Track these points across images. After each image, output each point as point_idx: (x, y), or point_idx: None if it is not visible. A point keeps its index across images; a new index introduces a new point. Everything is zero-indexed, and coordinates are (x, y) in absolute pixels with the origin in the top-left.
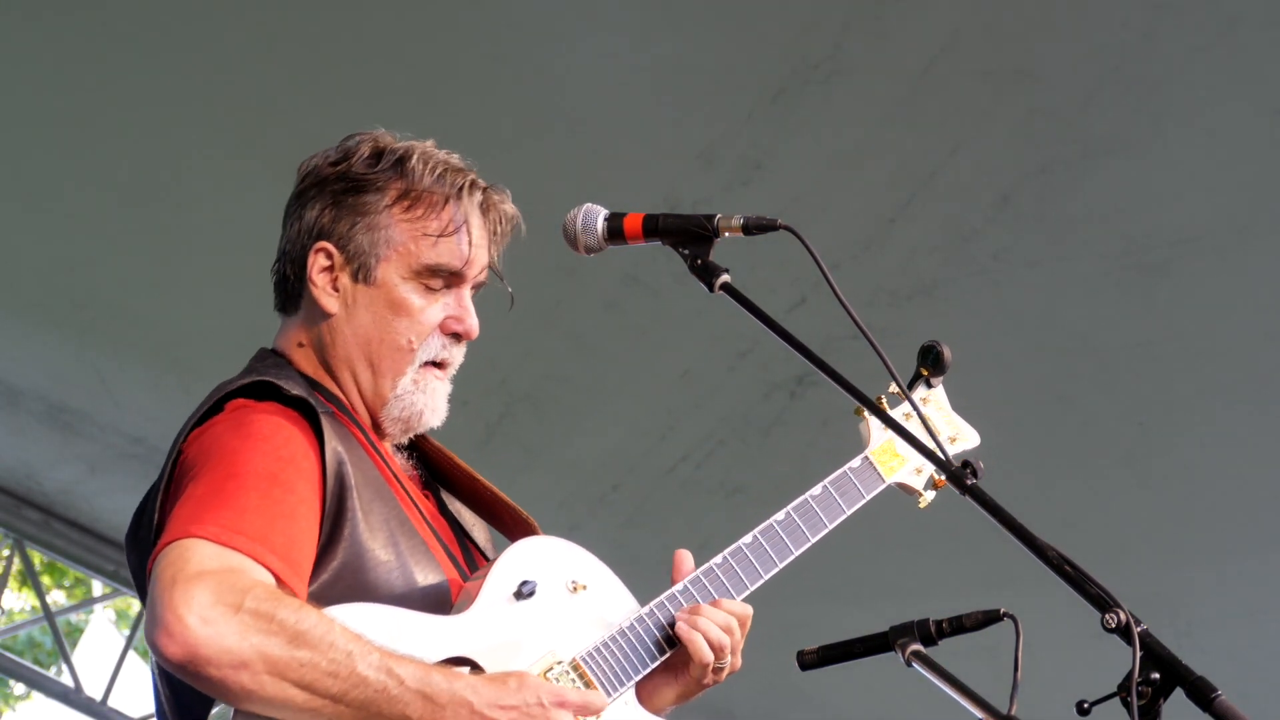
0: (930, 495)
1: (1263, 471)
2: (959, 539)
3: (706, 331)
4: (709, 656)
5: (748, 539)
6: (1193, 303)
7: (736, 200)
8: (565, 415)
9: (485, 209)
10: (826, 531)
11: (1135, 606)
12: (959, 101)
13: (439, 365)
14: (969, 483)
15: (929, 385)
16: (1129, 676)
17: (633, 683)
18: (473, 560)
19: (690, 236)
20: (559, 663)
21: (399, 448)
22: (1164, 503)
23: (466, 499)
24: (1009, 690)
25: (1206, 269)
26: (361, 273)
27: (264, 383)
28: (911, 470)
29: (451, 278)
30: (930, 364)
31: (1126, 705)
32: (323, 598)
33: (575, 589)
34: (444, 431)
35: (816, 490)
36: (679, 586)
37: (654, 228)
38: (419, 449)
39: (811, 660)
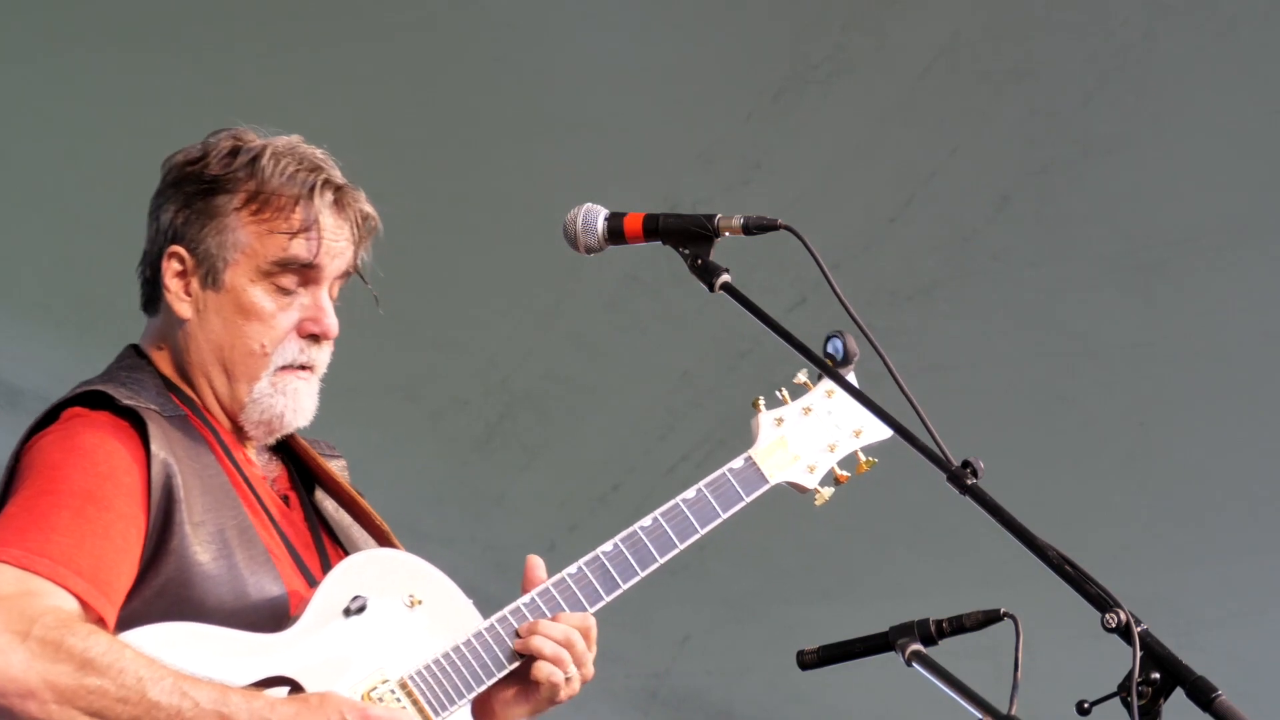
0: (829, 492)
1: (1263, 471)
2: (959, 539)
3: (706, 331)
4: (557, 677)
5: (608, 547)
6: (1193, 303)
7: (736, 200)
8: (565, 415)
9: (339, 207)
10: (698, 537)
11: (1135, 606)
12: (959, 101)
13: (302, 367)
14: (969, 483)
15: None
16: (1129, 676)
17: (465, 701)
18: (330, 566)
19: (690, 236)
20: (385, 682)
21: (267, 449)
22: (1164, 503)
23: (331, 497)
24: (1009, 690)
25: (1206, 269)
26: (210, 277)
27: (97, 393)
28: (804, 469)
29: (304, 273)
30: (834, 354)
31: (1126, 705)
32: (146, 614)
33: (412, 604)
34: (445, 431)
35: (690, 493)
36: (525, 599)
37: (654, 228)
38: (289, 449)
39: (811, 660)
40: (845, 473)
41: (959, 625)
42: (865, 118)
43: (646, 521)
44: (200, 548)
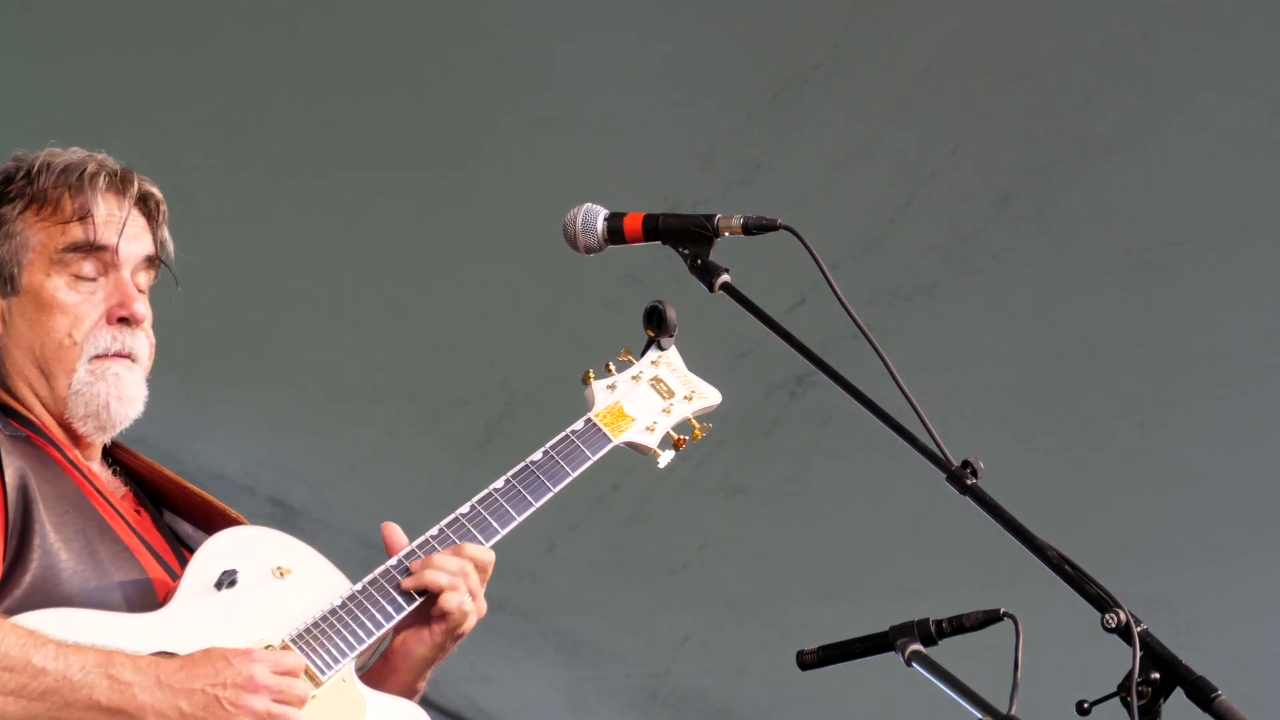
0: (669, 455)
1: (1263, 471)
2: (959, 539)
3: (706, 331)
4: (463, 603)
5: (465, 509)
6: (1193, 303)
7: (736, 200)
8: (565, 415)
9: (117, 191)
10: (551, 495)
11: (1135, 606)
12: (959, 101)
13: (121, 355)
14: (969, 483)
15: (660, 347)
16: (1129, 676)
17: (349, 659)
18: None
19: (690, 236)
20: (269, 647)
21: (107, 463)
22: (1164, 503)
23: (182, 511)
24: (1009, 690)
25: (1206, 269)
26: (9, 284)
27: None
28: (642, 429)
29: (99, 257)
30: (656, 326)
31: (1126, 705)
32: (18, 611)
33: (281, 574)
34: (445, 431)
35: (537, 456)
36: (393, 561)
37: (654, 228)
38: (127, 466)
39: (811, 660)
40: (682, 436)
41: (959, 625)
42: (865, 118)
43: (499, 484)
44: (63, 546)
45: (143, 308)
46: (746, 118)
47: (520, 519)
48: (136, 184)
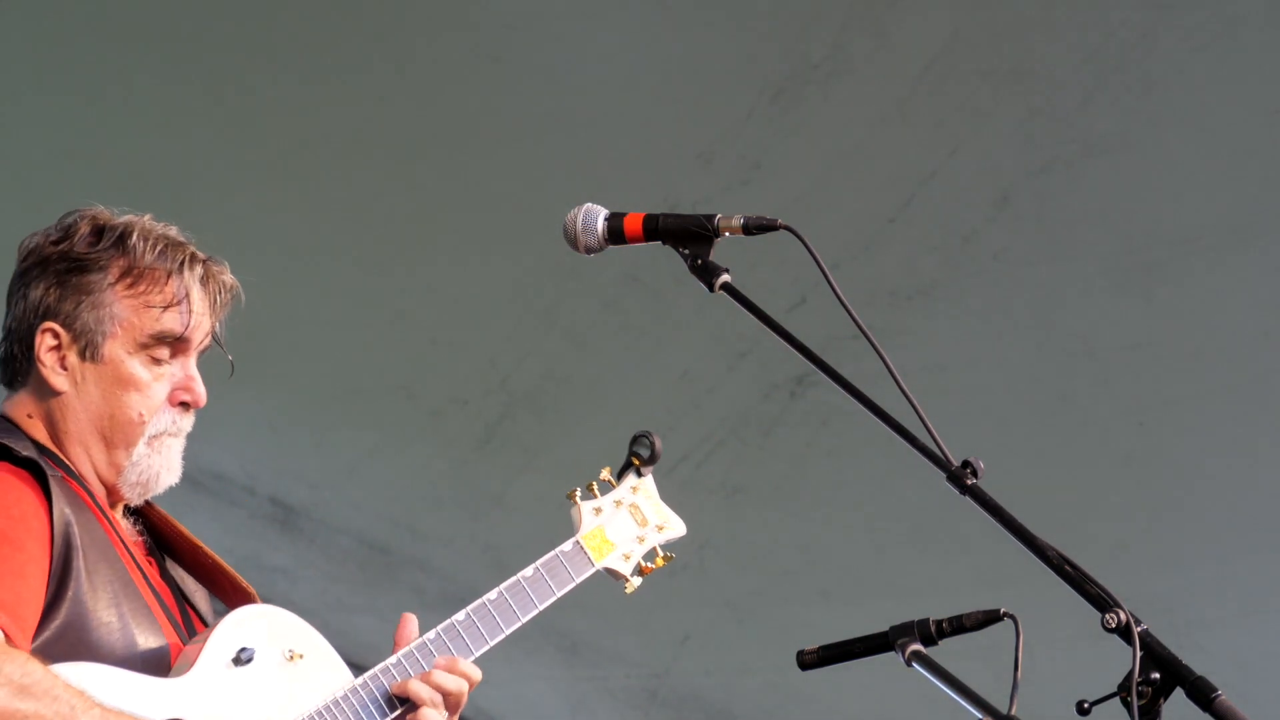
0: (637, 582)
1: (1263, 471)
2: (959, 539)
3: (706, 331)
4: (434, 699)
5: (460, 616)
6: (1193, 303)
7: (736, 200)
8: (565, 415)
9: (205, 281)
10: (537, 612)
11: (1135, 606)
12: (959, 101)
13: (173, 435)
14: (969, 483)
15: (639, 475)
16: (1129, 676)
17: None
18: (193, 625)
19: (690, 236)
20: None
21: (127, 513)
22: (1164, 503)
23: (189, 566)
24: (1009, 690)
25: (1206, 269)
26: (89, 350)
27: None
28: (620, 557)
29: (177, 345)
30: (642, 454)
31: (1126, 705)
32: (46, 655)
33: (292, 658)
34: (445, 431)
35: (528, 571)
36: (393, 660)
37: (654, 228)
38: (144, 516)
39: (811, 660)
40: (650, 565)
41: (959, 625)
42: (865, 117)
43: (493, 595)
44: (92, 596)
45: (204, 394)
46: (746, 118)
47: (508, 632)
48: (222, 275)
